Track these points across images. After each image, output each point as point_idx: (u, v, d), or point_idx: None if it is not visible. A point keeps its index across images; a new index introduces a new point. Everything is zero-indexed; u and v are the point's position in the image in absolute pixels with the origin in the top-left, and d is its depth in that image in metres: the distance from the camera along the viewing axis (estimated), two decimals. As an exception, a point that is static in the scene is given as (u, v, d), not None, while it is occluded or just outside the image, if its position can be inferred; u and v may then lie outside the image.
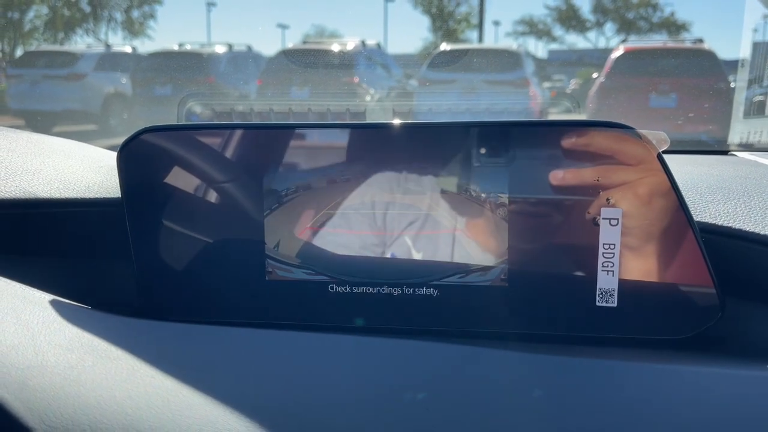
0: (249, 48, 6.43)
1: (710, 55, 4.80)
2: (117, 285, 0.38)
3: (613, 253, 0.31)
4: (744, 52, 0.82)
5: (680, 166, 0.47)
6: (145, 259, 0.34)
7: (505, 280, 0.32)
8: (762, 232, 0.33)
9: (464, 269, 0.32)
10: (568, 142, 0.30)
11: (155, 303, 0.34)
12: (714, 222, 0.34)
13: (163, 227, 0.34)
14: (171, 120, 0.63)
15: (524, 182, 0.31)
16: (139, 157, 0.34)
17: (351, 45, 5.88)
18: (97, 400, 0.25)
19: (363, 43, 6.02)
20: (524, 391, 0.27)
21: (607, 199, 0.30)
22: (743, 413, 0.26)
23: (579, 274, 0.31)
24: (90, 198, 0.39)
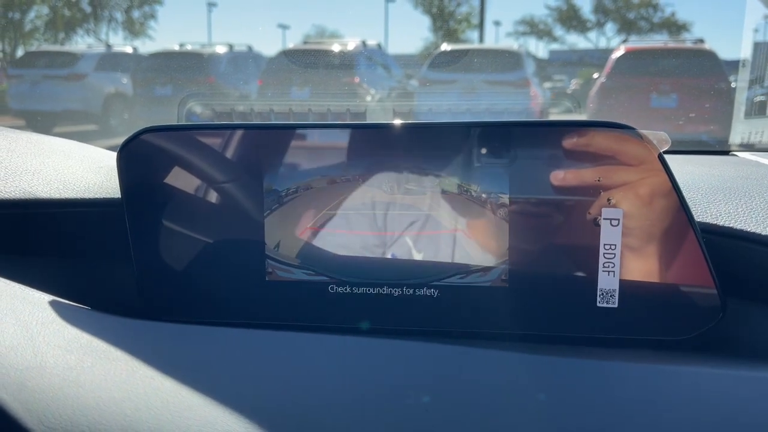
0: (249, 48, 6.43)
1: (711, 56, 4.80)
2: (116, 285, 0.38)
3: (614, 254, 0.31)
4: (745, 52, 0.82)
5: (681, 166, 0.47)
6: (144, 260, 0.34)
7: (505, 281, 0.32)
8: (763, 233, 0.32)
9: (465, 270, 0.32)
10: (569, 142, 0.30)
11: (155, 303, 0.34)
12: (715, 222, 0.34)
13: (163, 228, 0.34)
14: (171, 120, 0.63)
15: (525, 182, 0.31)
16: (139, 158, 0.34)
17: (351, 45, 5.88)
18: (96, 401, 0.25)
19: (363, 43, 6.02)
20: (525, 391, 0.27)
21: (608, 200, 0.30)
22: (745, 414, 0.26)
23: (580, 274, 0.31)
24: (90, 198, 0.39)
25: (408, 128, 0.32)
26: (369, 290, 0.33)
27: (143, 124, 0.35)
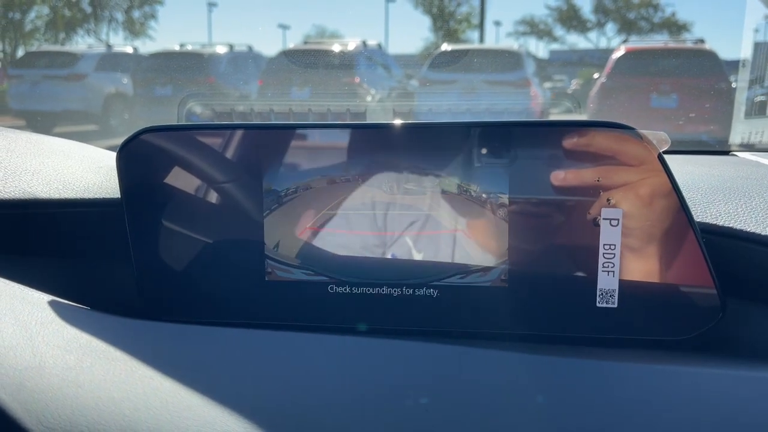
0: (250, 48, 6.43)
1: (711, 56, 4.80)
2: (116, 285, 0.38)
3: (614, 254, 0.31)
4: (745, 52, 0.81)
5: (681, 166, 0.47)
6: (144, 260, 0.34)
7: (505, 281, 0.32)
8: (763, 233, 0.32)
9: (464, 270, 0.32)
10: (569, 142, 0.30)
11: (154, 303, 0.34)
12: (715, 222, 0.34)
13: (163, 228, 0.34)
14: (171, 120, 0.63)
15: (525, 182, 0.31)
16: (138, 158, 0.34)
17: (352, 45, 5.88)
18: (95, 401, 0.25)
19: (364, 43, 6.02)
20: (525, 391, 0.27)
21: (608, 200, 0.30)
22: (745, 414, 0.26)
23: (579, 274, 0.31)
24: (89, 198, 0.39)
25: (408, 128, 0.32)
26: (368, 290, 0.33)
27: (143, 124, 0.35)
